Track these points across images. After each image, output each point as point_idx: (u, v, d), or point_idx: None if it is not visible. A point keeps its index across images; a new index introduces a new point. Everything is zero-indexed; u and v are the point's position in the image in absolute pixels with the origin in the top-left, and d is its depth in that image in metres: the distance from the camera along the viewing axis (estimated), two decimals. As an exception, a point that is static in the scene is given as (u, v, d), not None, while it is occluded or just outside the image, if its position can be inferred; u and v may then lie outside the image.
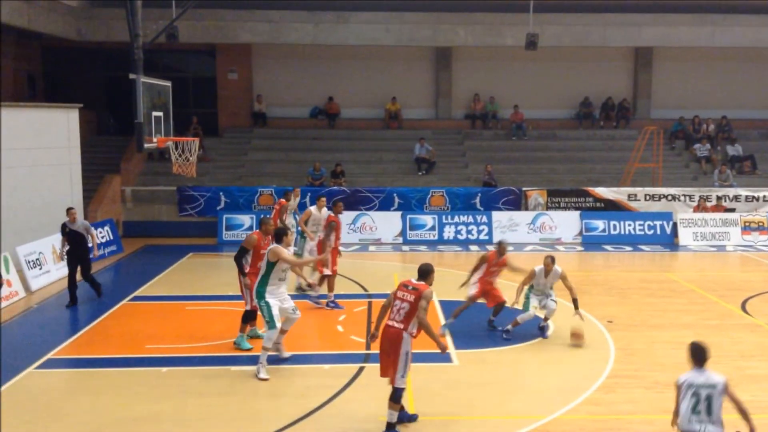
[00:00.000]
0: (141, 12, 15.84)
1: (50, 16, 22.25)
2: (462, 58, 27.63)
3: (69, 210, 14.61)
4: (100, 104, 26.88)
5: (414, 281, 8.67)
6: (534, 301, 12.39)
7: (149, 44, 17.09)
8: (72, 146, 19.26)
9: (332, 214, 14.23)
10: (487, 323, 12.98)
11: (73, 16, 23.80)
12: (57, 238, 16.08)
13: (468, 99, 27.75)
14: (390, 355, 8.52)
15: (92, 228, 15.02)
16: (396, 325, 8.52)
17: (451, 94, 27.90)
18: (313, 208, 14.88)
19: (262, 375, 10.37)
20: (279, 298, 10.57)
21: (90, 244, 14.61)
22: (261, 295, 10.47)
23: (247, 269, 11.41)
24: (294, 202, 17.41)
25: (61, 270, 16.56)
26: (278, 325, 10.45)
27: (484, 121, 27.56)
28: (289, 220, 16.78)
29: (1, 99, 21.12)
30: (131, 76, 14.88)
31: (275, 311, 10.41)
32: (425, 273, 8.72)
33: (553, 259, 12.29)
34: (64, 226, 14.48)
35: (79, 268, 14.54)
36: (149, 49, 16.97)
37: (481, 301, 12.76)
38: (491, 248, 13.86)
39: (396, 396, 8.50)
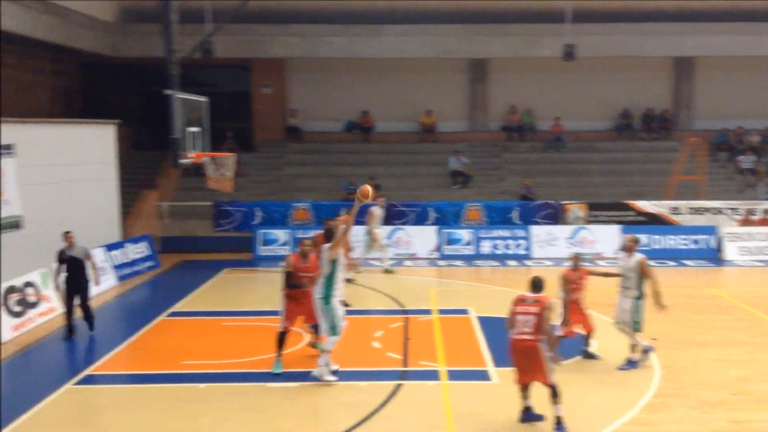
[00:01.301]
0: (177, 27, 15.84)
1: (87, 32, 22.44)
2: (498, 70, 27.32)
3: (66, 234, 13.49)
4: (137, 120, 27.00)
5: (530, 294, 9.21)
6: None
7: (185, 60, 17.08)
8: (109, 162, 19.32)
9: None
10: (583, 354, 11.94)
11: (109, 32, 23.99)
12: (96, 254, 16.11)
13: (504, 111, 27.42)
14: (529, 365, 9.03)
15: (92, 254, 13.94)
16: (528, 337, 9.01)
17: (486, 106, 27.61)
18: (374, 208, 16.02)
19: (328, 378, 10.67)
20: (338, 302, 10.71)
21: (89, 271, 13.39)
22: (328, 300, 10.52)
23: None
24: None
25: (100, 286, 16.50)
26: (342, 331, 10.66)
27: (521, 133, 27.19)
28: None
29: (39, 115, 21.35)
30: (167, 91, 14.85)
31: (340, 315, 10.62)
32: (540, 285, 9.26)
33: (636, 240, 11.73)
34: (61, 253, 13.29)
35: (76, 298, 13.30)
36: (185, 65, 16.97)
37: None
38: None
39: (554, 392, 8.95)
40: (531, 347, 8.97)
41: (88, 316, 13.54)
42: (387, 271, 19.00)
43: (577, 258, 12.09)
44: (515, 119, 27.25)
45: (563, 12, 22.21)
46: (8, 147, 16.09)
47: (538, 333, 8.96)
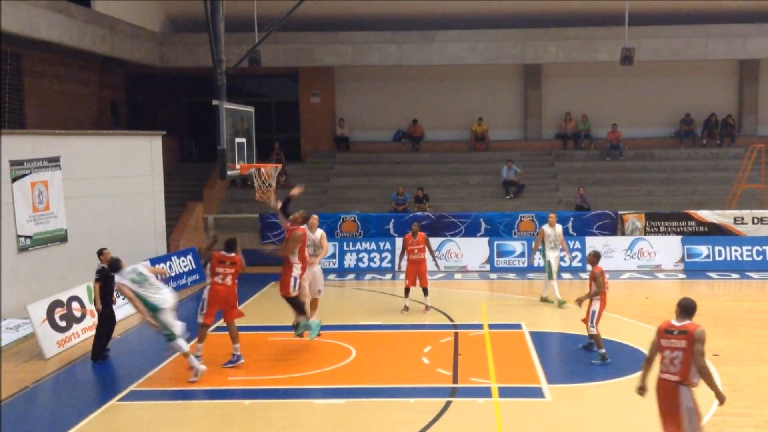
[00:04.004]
0: (224, 37, 15.54)
1: (134, 42, 22.39)
2: (552, 75, 26.61)
3: (103, 251, 12.92)
4: (183, 131, 26.94)
5: (676, 323, 7.51)
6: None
7: (232, 69, 16.78)
8: (155, 174, 19.14)
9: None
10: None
11: (156, 42, 23.93)
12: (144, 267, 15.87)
13: (559, 118, 26.67)
14: (668, 412, 7.44)
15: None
16: (671, 377, 7.43)
17: (540, 113, 26.91)
18: (546, 227, 16.14)
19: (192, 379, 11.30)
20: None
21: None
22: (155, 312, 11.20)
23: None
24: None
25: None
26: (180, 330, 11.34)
27: (576, 141, 26.41)
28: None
29: (86, 127, 21.34)
30: (214, 102, 14.52)
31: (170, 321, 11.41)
32: (689, 309, 7.55)
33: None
34: (104, 270, 12.60)
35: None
36: (232, 75, 16.66)
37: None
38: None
39: None
40: (671, 389, 7.37)
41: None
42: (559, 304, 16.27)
43: (596, 254, 12.51)
44: (570, 126, 26.48)
45: (621, 14, 21.37)
46: (54, 159, 16.00)
47: (685, 372, 7.32)
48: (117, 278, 11.44)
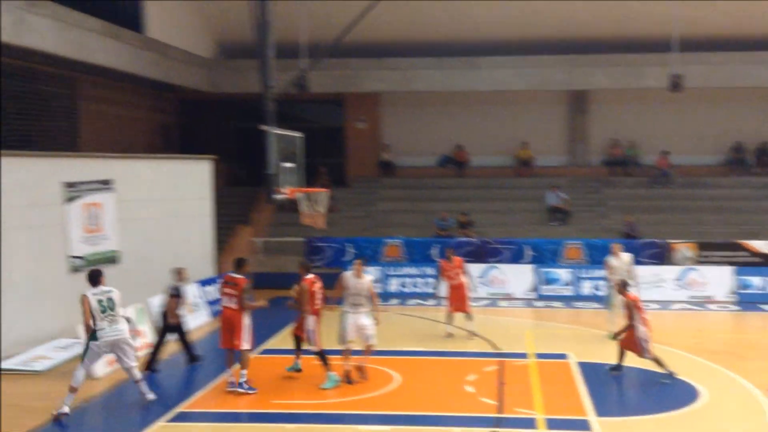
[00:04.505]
0: (273, 63, 15.81)
1: (185, 68, 22.86)
2: (599, 101, 26.38)
3: (180, 270, 13.90)
4: (232, 155, 27.31)
5: None
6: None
7: (280, 95, 17.06)
8: (205, 197, 19.46)
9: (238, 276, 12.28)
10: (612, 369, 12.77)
11: (207, 68, 24.41)
12: (190, 290, 16.20)
13: (606, 144, 26.41)
14: None
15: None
16: None
17: (587, 139, 26.67)
18: (611, 258, 15.53)
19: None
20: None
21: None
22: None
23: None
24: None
25: (193, 321, 16.53)
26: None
27: (624, 167, 26.08)
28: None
29: (138, 151, 21.78)
30: (263, 127, 14.77)
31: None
32: None
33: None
34: (177, 287, 13.59)
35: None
36: (279, 100, 16.94)
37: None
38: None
39: None
40: None
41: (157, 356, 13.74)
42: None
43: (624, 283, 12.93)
44: (618, 153, 26.18)
45: (669, 40, 21.18)
46: (107, 182, 16.40)
47: None
48: (87, 290, 10.98)
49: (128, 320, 14.12)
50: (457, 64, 24.54)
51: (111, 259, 16.42)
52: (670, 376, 12.22)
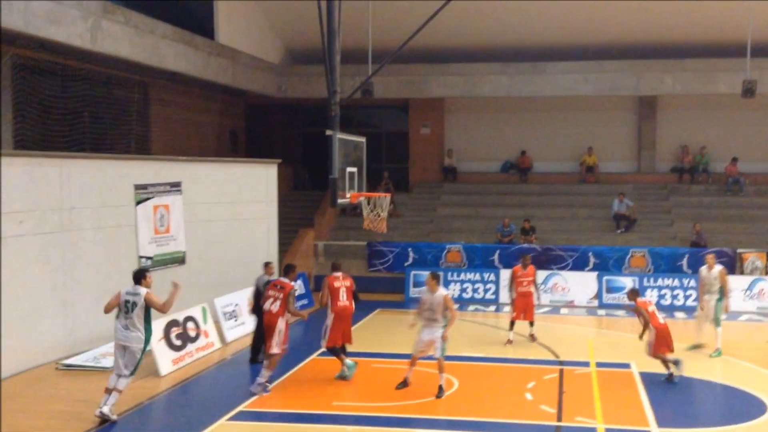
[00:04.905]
0: (339, 68, 15.97)
1: (253, 73, 23.29)
2: (668, 107, 25.86)
3: (269, 264, 14.49)
4: (297, 159, 27.71)
5: None
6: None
7: (346, 100, 17.22)
8: (270, 201, 19.77)
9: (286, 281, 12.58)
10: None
11: (274, 73, 24.81)
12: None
13: (674, 151, 25.86)
14: None
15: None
16: None
17: (655, 145, 26.17)
18: (703, 268, 15.06)
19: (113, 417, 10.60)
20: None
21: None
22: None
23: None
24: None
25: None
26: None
27: (693, 174, 25.48)
28: None
29: (207, 154, 22.30)
30: (328, 132, 14.92)
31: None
32: None
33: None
34: (269, 282, 13.40)
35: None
36: (345, 105, 17.10)
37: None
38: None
39: None
40: None
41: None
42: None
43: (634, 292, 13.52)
44: (687, 160, 25.59)
45: (742, 45, 20.60)
46: (176, 185, 16.82)
47: None
48: (124, 287, 10.96)
49: (193, 320, 14.63)
50: (523, 69, 24.37)
51: (178, 259, 16.84)
52: (672, 376, 12.77)
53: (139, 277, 10.92)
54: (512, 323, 15.75)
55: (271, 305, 12.23)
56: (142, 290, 10.75)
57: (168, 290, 11.05)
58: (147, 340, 10.85)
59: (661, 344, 12.75)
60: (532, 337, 15.69)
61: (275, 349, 12.14)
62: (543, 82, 24.28)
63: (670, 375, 12.78)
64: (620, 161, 26.39)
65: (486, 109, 26.73)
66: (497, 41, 24.50)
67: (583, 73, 24.11)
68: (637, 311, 12.99)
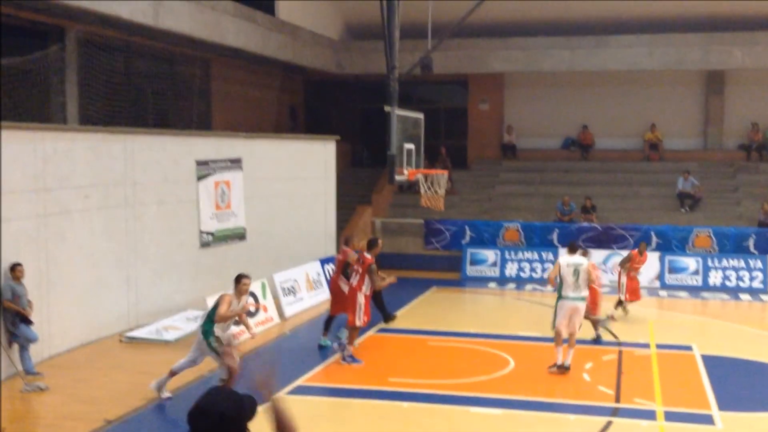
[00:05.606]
0: (398, 44, 15.87)
1: (313, 49, 23.30)
2: (737, 82, 24.96)
3: (350, 240, 15.00)
4: (355, 136, 27.72)
5: None
6: None
7: (405, 76, 17.12)
8: (328, 177, 19.88)
9: (368, 255, 12.71)
10: None
11: (333, 49, 24.79)
12: (312, 267, 16.70)
13: (742, 127, 24.97)
14: None
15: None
16: None
17: (722, 122, 25.32)
18: None
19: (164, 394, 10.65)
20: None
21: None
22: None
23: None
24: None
25: (314, 298, 17.00)
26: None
27: (762, 153, 24.62)
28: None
29: (266, 130, 22.46)
30: (386, 108, 14.88)
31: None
32: None
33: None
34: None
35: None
36: (404, 81, 17.01)
37: None
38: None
39: None
40: None
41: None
42: None
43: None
44: (757, 137, 24.72)
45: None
46: (237, 161, 17.02)
47: None
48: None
49: (252, 295, 14.83)
50: (585, 43, 23.82)
51: (238, 235, 17.07)
52: (598, 339, 13.61)
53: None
54: (620, 302, 15.89)
55: (352, 279, 12.65)
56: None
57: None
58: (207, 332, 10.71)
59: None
60: (612, 318, 15.63)
61: (358, 322, 12.48)
62: (606, 57, 23.69)
63: (598, 336, 13.70)
64: (685, 138, 25.65)
65: (547, 84, 26.24)
66: (559, 15, 23.95)
67: (648, 46, 23.43)
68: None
